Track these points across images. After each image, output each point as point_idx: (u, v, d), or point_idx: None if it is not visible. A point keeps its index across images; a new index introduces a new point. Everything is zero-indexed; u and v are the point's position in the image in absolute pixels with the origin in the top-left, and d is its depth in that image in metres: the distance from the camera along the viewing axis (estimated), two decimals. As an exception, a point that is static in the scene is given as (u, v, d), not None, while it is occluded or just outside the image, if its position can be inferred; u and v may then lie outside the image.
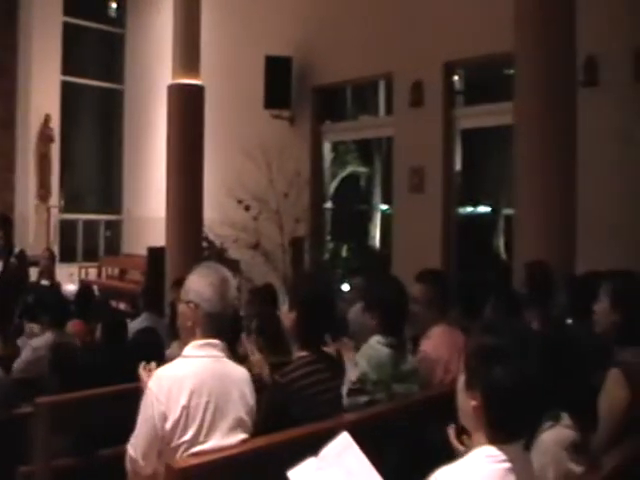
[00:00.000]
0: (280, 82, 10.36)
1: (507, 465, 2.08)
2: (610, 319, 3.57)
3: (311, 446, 2.40)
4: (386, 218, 10.44)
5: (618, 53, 7.17)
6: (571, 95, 6.41)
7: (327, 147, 10.86)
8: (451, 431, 2.50)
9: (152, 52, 13.73)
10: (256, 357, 4.22)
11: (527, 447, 2.23)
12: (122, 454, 2.99)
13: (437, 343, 4.28)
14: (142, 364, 3.20)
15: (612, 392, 3.20)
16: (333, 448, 2.34)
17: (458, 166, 9.07)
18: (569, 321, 4.42)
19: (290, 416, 3.24)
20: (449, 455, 2.23)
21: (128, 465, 2.97)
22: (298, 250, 10.07)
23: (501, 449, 2.10)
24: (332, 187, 11.02)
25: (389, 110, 10.00)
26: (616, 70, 7.21)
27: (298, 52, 10.41)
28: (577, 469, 2.59)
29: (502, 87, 7.78)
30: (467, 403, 2.15)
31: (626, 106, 7.12)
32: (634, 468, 2.95)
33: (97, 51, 15.37)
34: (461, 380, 2.19)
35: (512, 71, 6.70)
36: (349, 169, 11.41)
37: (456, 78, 9.17)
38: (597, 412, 2.79)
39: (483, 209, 9.59)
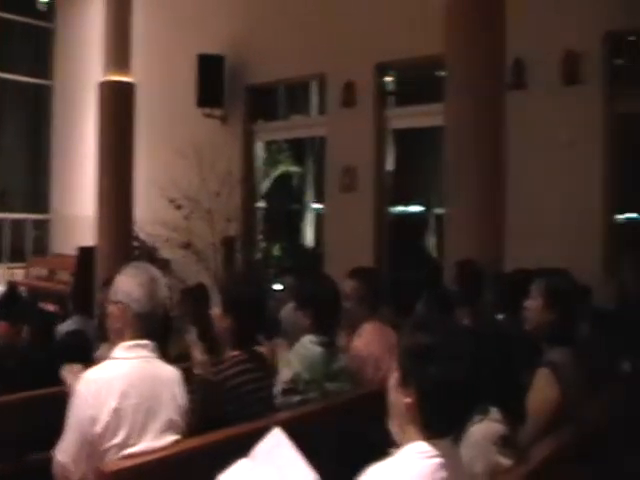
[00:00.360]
0: (213, 81, 10.29)
1: (438, 460, 2.10)
2: (542, 317, 3.58)
3: (244, 446, 2.37)
4: (319, 217, 10.47)
5: (546, 55, 7.33)
6: (500, 97, 6.53)
7: (259, 146, 10.83)
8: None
9: (82, 48, 13.45)
10: (199, 358, 4.19)
11: (456, 441, 2.26)
12: (50, 459, 2.92)
13: (368, 340, 4.30)
14: (66, 366, 3.14)
15: (542, 391, 3.26)
16: (265, 445, 2.32)
17: (390, 166, 9.16)
18: (499, 317, 4.50)
19: (224, 415, 3.22)
20: (383, 452, 2.24)
21: (56, 470, 2.90)
22: (230, 250, 10.02)
23: (432, 444, 2.12)
24: (264, 186, 10.99)
25: (322, 110, 10.03)
26: (544, 72, 7.37)
27: (231, 51, 10.35)
28: (505, 462, 2.63)
29: (433, 88, 7.87)
30: (399, 400, 2.16)
31: (554, 108, 7.29)
32: (560, 461, 3.02)
33: (25, 46, 14.98)
34: (393, 377, 2.20)
35: (443, 73, 6.80)
36: (281, 169, 11.40)
37: (388, 79, 9.26)
38: (525, 407, 2.85)
39: (415, 208, 9.69)
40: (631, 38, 7.74)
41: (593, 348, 4.52)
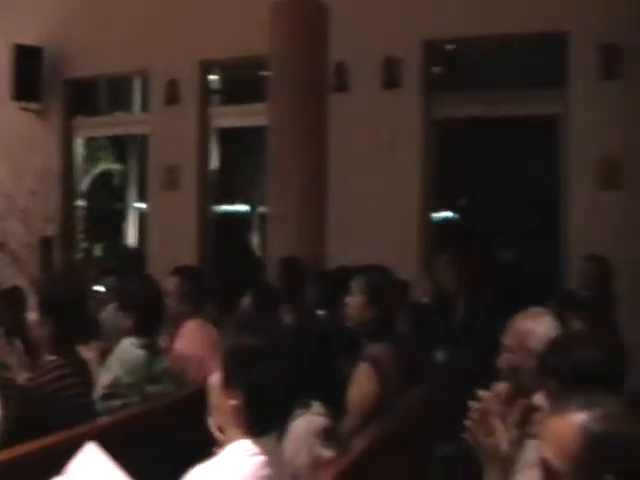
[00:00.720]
0: (30, 73, 9.81)
1: (262, 458, 2.12)
2: (363, 313, 3.64)
3: (63, 455, 2.28)
4: (142, 216, 10.24)
5: (368, 60, 7.54)
6: (323, 98, 6.66)
7: (79, 143, 10.44)
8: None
9: None
10: (15, 364, 3.98)
11: (279, 437, 2.28)
12: None
13: (191, 340, 4.26)
14: None
15: (362, 384, 3.36)
16: (79, 462, 2.22)
17: (214, 165, 9.12)
18: (321, 314, 4.59)
19: (42, 422, 3.09)
20: (206, 452, 2.23)
21: None
22: (48, 250, 9.60)
23: (256, 442, 2.13)
24: (85, 185, 10.62)
25: (145, 107, 9.82)
26: (366, 76, 7.58)
27: (51, 43, 9.90)
28: (327, 454, 2.69)
29: (258, 88, 7.91)
30: (223, 401, 2.15)
31: (374, 111, 7.52)
32: (379, 450, 3.12)
33: None
34: (216, 378, 2.19)
35: (267, 73, 6.85)
36: (102, 166, 11.05)
37: (213, 77, 9.20)
38: (346, 401, 2.92)
39: (239, 207, 9.69)
40: (449, 47, 8.15)
41: (411, 341, 4.72)
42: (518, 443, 2.50)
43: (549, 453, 1.55)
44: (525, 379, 2.67)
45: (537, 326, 2.74)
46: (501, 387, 2.65)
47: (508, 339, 2.77)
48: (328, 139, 6.86)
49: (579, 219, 7.03)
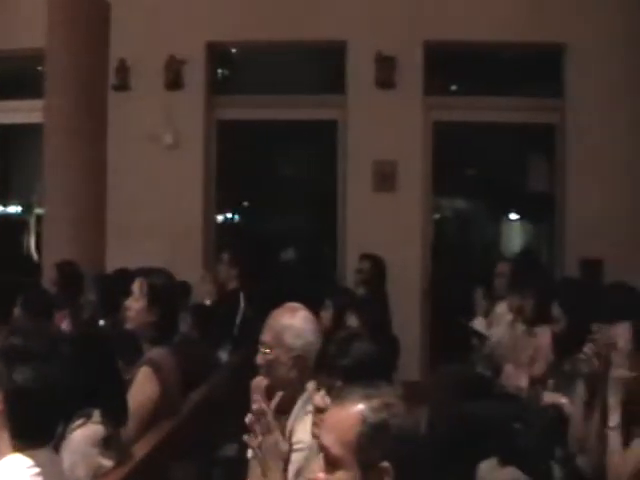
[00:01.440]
0: None
1: (36, 470, 2.05)
2: (144, 316, 3.55)
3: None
4: None
5: (151, 60, 7.41)
6: (102, 96, 6.49)
7: None
8: None
9: None
10: None
11: (56, 449, 2.22)
12: None
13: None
14: None
15: (143, 389, 3.31)
16: None
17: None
18: (101, 321, 4.47)
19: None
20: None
21: None
22: None
23: (30, 455, 2.06)
24: None
25: None
26: (148, 76, 7.45)
27: None
28: (107, 463, 2.64)
29: (35, 84, 7.53)
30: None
31: (157, 111, 7.41)
32: (160, 455, 3.11)
33: None
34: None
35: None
36: None
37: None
38: (127, 407, 2.88)
39: (14, 209, 9.19)
40: (233, 50, 8.22)
41: (193, 342, 4.73)
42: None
43: (329, 441, 1.63)
44: (281, 373, 2.76)
45: (293, 321, 2.83)
46: (259, 381, 2.72)
47: (265, 335, 2.83)
48: (108, 139, 6.69)
49: (355, 220, 7.36)
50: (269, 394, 2.62)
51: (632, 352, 2.97)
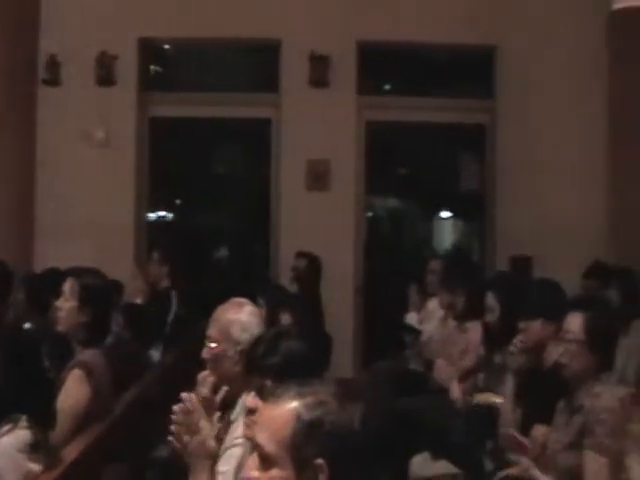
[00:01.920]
0: None
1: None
2: (75, 317, 3.49)
3: None
4: None
5: (82, 55, 7.26)
6: (32, 92, 6.36)
7: None
8: None
9: None
10: None
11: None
12: None
13: None
14: None
15: (73, 392, 3.26)
16: None
17: None
18: (26, 324, 4.36)
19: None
20: None
21: None
22: None
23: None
24: None
25: None
26: (79, 71, 7.31)
27: None
28: (37, 468, 2.59)
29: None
30: None
31: (88, 107, 7.28)
32: (91, 458, 3.07)
33: None
34: None
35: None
36: None
37: None
38: (55, 410, 2.82)
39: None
40: (166, 46, 8.14)
41: (125, 342, 4.67)
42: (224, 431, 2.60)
43: (263, 439, 1.63)
44: (227, 367, 2.78)
45: (239, 315, 2.86)
46: (206, 376, 2.71)
47: (212, 330, 2.86)
48: (38, 135, 6.56)
49: (289, 218, 7.36)
50: (214, 389, 2.62)
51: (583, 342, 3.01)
